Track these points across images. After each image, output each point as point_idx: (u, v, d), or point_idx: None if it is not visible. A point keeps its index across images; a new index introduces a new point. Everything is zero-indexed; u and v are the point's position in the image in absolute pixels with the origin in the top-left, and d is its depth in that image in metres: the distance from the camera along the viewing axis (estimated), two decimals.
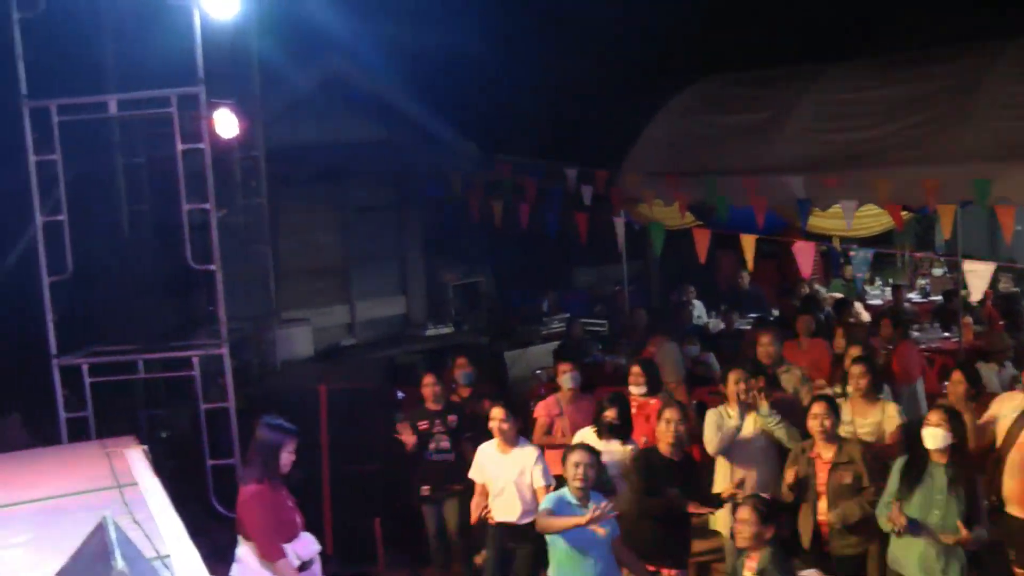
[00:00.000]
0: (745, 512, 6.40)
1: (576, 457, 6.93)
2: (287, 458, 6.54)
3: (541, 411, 9.27)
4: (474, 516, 8.35)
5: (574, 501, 6.88)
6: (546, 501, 7.06)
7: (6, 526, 5.64)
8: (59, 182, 9.11)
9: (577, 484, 6.89)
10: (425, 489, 9.06)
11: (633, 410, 8.66)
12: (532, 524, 7.38)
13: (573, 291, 18.34)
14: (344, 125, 15.03)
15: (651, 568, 7.29)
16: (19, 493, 6.35)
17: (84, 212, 9.48)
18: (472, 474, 8.32)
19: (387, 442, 9.44)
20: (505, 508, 8.09)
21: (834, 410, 7.53)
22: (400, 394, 11.37)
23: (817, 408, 7.49)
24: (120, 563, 3.69)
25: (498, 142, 16.28)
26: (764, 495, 7.04)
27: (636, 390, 9.01)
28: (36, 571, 4.84)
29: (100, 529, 4.18)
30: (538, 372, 13.35)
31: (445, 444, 9.08)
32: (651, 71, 17.30)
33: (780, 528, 6.61)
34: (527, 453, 8.04)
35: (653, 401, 8.84)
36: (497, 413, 8.05)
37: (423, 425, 9.13)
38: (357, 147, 14.88)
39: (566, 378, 9.29)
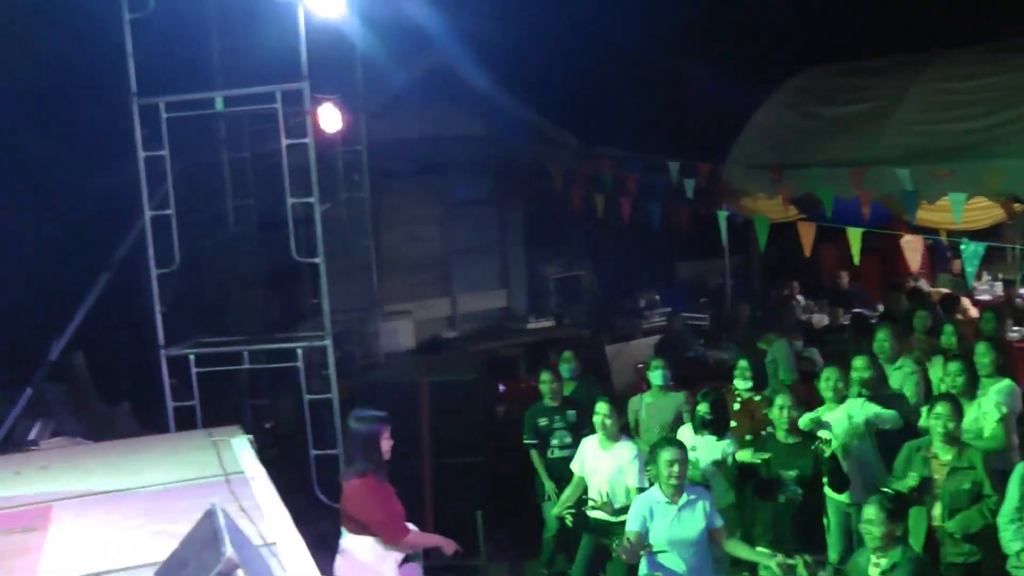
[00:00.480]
0: (871, 511, 6.07)
1: (668, 455, 6.80)
2: (386, 446, 6.55)
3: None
4: (559, 508, 8.29)
5: (664, 499, 6.77)
6: (635, 503, 6.97)
7: (118, 510, 5.75)
8: (167, 177, 9.31)
9: (672, 482, 6.76)
10: (554, 491, 8.96)
11: (737, 406, 8.50)
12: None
13: (675, 285, 18.14)
14: (445, 119, 15.06)
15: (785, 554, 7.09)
16: (130, 479, 6.48)
17: (191, 206, 9.67)
18: (573, 465, 8.27)
19: (488, 435, 9.41)
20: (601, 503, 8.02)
21: (958, 411, 7.20)
22: (501, 387, 11.34)
23: (941, 408, 7.11)
24: (229, 549, 3.71)
25: (599, 135, 16.15)
26: (886, 490, 6.79)
27: (742, 384, 8.85)
28: (147, 555, 4.92)
29: (209, 516, 4.22)
30: (639, 366, 13.25)
31: (568, 440, 9.04)
32: (755, 62, 16.99)
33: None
34: (626, 450, 7.96)
35: (758, 398, 8.67)
36: (602, 408, 7.97)
37: (543, 422, 9.11)
38: (458, 141, 14.91)
39: (656, 375, 9.21)
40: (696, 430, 8.07)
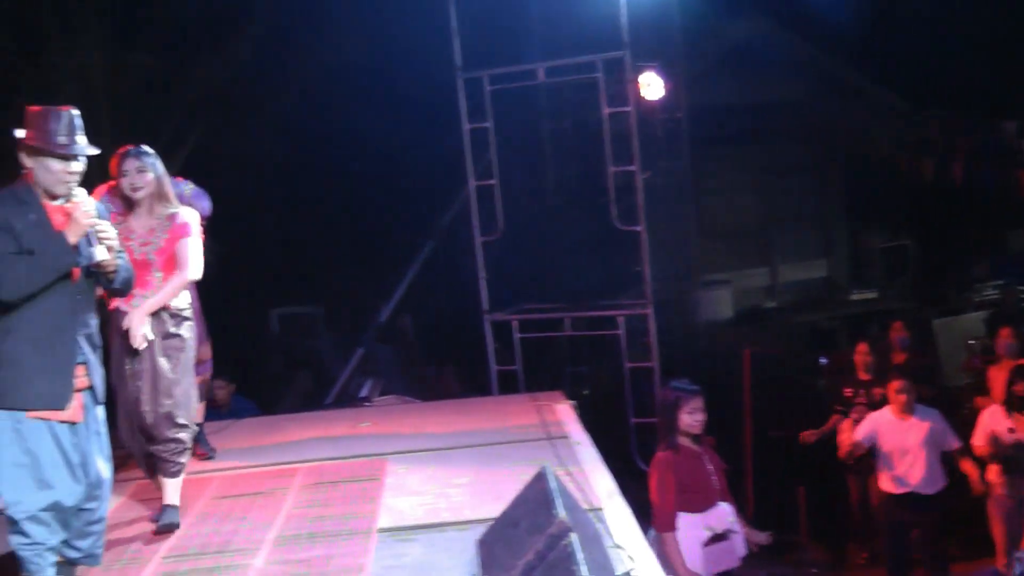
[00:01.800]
0: None
1: None
2: (688, 419, 6.28)
3: None
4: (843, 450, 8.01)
5: None
6: None
7: (447, 468, 5.94)
8: (490, 148, 9.52)
9: None
10: (846, 453, 8.60)
11: None
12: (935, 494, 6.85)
13: (1009, 255, 16.79)
14: (766, 84, 14.59)
15: None
16: (457, 438, 6.69)
17: (513, 176, 9.85)
18: (858, 435, 7.91)
19: (810, 409, 9.07)
20: (903, 477, 7.59)
21: None
22: (823, 360, 10.91)
23: None
24: (562, 512, 3.71)
25: (927, 96, 15.16)
26: None
27: None
28: (477, 511, 5.04)
29: (541, 477, 4.25)
30: (971, 343, 12.35)
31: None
32: None
33: None
34: (931, 416, 7.61)
35: None
36: (895, 384, 7.60)
37: (847, 391, 8.73)
38: (779, 106, 14.43)
39: (1009, 345, 8.57)
40: (1010, 409, 7.49)
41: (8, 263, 3.85)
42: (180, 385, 5.06)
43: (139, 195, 5.03)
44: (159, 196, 5.11)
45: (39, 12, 10.12)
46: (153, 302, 4.99)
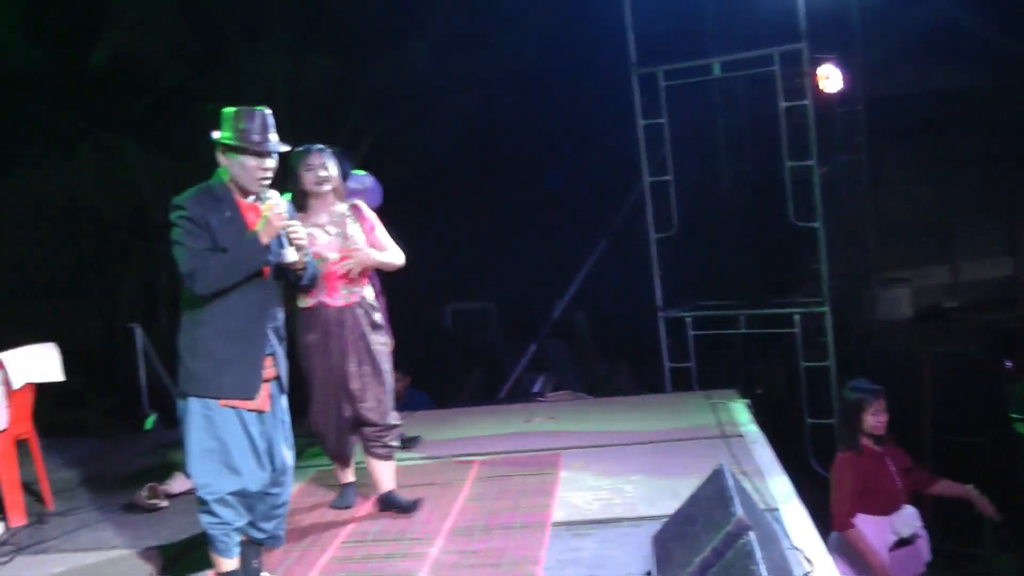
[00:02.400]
0: None
1: None
2: (872, 420, 6.17)
3: None
4: None
5: None
6: None
7: (621, 464, 5.97)
8: (665, 144, 9.48)
9: None
10: None
11: None
12: None
13: None
14: (948, 73, 13.99)
15: None
16: (631, 435, 6.71)
17: (687, 172, 9.78)
18: None
19: (994, 414, 8.72)
20: None
21: None
22: (1008, 363, 10.44)
23: None
24: (740, 510, 3.70)
25: None
26: None
27: None
28: (652, 507, 5.05)
29: (717, 475, 4.24)
30: None
31: None
32: None
33: None
34: None
35: None
36: None
37: None
38: (962, 96, 13.81)
39: None
40: None
41: (203, 259, 4.01)
42: (390, 373, 5.36)
43: (324, 188, 5.22)
44: (337, 193, 5.32)
45: (226, 20, 10.63)
46: (377, 258, 5.21)
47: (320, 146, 5.29)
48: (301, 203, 5.16)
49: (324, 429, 5.34)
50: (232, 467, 4.13)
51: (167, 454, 7.26)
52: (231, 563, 4.24)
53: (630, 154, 9.81)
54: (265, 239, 4.08)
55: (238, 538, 4.25)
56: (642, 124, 9.57)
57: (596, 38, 10.33)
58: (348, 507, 5.53)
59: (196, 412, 4.11)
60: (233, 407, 4.13)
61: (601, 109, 10.55)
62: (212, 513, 4.15)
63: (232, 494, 4.14)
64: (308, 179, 5.18)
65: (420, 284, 5.30)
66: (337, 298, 5.20)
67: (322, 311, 5.17)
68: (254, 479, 4.18)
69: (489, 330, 12.32)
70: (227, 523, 4.16)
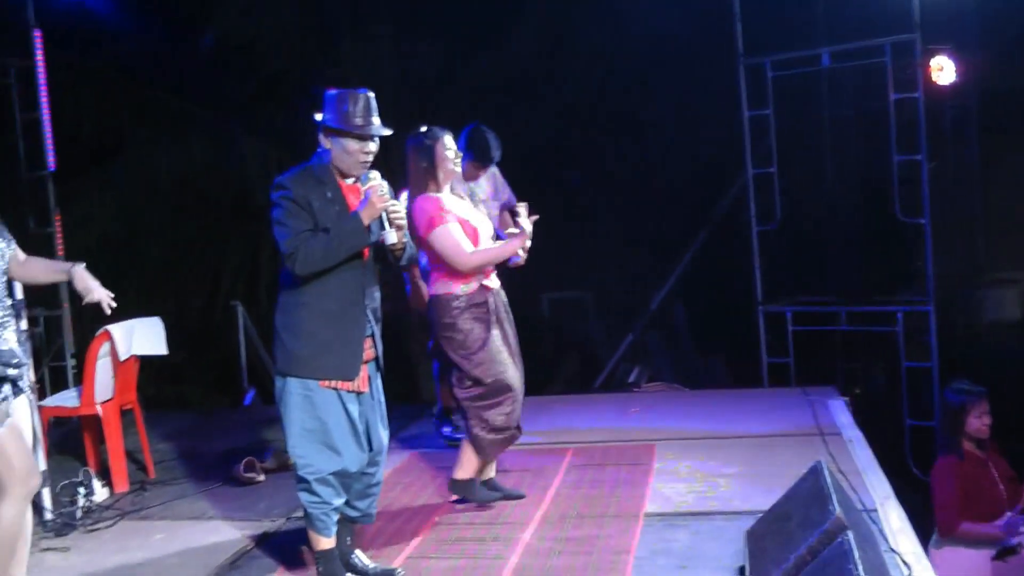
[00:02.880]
0: None
1: None
2: (976, 423, 6.01)
3: None
4: None
5: None
6: None
7: (716, 457, 5.91)
8: (770, 135, 9.34)
9: None
10: None
11: None
12: None
13: None
14: None
15: None
16: (727, 427, 6.65)
17: (791, 164, 9.62)
18: None
19: None
20: None
21: None
22: None
23: None
24: (838, 509, 3.63)
25: None
26: None
27: None
28: (746, 502, 5.00)
29: (815, 472, 4.17)
30: None
31: None
32: None
33: None
34: None
35: None
36: None
37: None
38: None
39: None
40: None
41: (304, 240, 4.01)
42: None
43: (459, 169, 5.28)
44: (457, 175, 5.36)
45: (334, 6, 10.77)
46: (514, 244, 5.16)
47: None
48: (424, 183, 5.14)
49: (500, 414, 5.12)
50: (332, 447, 4.16)
51: (265, 430, 7.41)
52: (328, 541, 4.28)
53: (733, 145, 9.67)
54: (366, 220, 4.08)
55: (336, 516, 4.29)
56: (747, 115, 9.43)
57: (702, 27, 10.20)
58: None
59: (296, 392, 4.14)
60: (333, 388, 4.14)
61: (705, 99, 10.41)
62: (312, 492, 4.18)
63: (332, 474, 4.17)
64: (449, 158, 5.13)
65: (518, 272, 5.30)
66: (493, 279, 5.21)
67: (486, 294, 5.12)
68: (353, 459, 4.21)
69: (585, 319, 12.29)
70: (326, 502, 4.20)
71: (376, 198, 4.08)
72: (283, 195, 4.08)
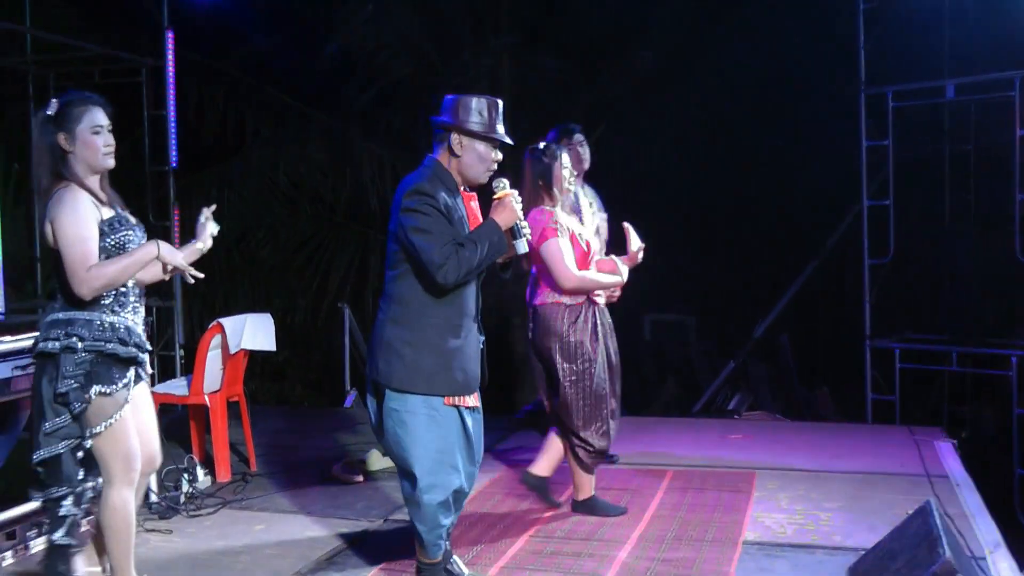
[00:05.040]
0: None
1: None
2: None
3: None
4: None
5: None
6: None
7: (818, 490, 5.81)
8: (887, 167, 9.16)
9: None
10: None
11: None
12: None
13: None
14: None
15: None
16: (829, 462, 6.52)
17: (907, 197, 9.42)
18: None
19: None
20: None
21: None
22: None
23: None
24: (947, 552, 3.54)
25: None
26: None
27: None
28: (849, 538, 4.90)
29: (924, 512, 4.07)
30: None
31: None
32: None
33: None
34: None
35: None
36: None
37: None
38: None
39: None
40: None
41: (453, 249, 3.89)
42: None
43: (574, 187, 5.33)
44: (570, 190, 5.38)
45: (455, 17, 10.90)
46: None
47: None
48: (538, 197, 5.16)
49: (599, 430, 5.16)
50: (454, 466, 4.05)
51: (365, 432, 7.50)
52: (437, 558, 4.19)
53: (849, 175, 9.51)
54: (503, 228, 4.02)
55: (447, 536, 4.19)
56: (865, 145, 9.27)
57: (823, 55, 10.08)
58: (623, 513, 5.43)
59: (420, 412, 4.00)
60: (455, 405, 4.05)
61: (823, 128, 10.27)
62: (433, 517, 4.05)
63: (453, 494, 4.06)
64: (565, 170, 5.17)
65: (622, 293, 5.32)
66: (599, 295, 5.25)
67: (590, 308, 5.17)
68: (468, 477, 4.14)
69: (686, 343, 12.18)
70: (442, 526, 4.10)
71: (514, 206, 4.04)
72: (427, 202, 3.94)
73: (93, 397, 3.74)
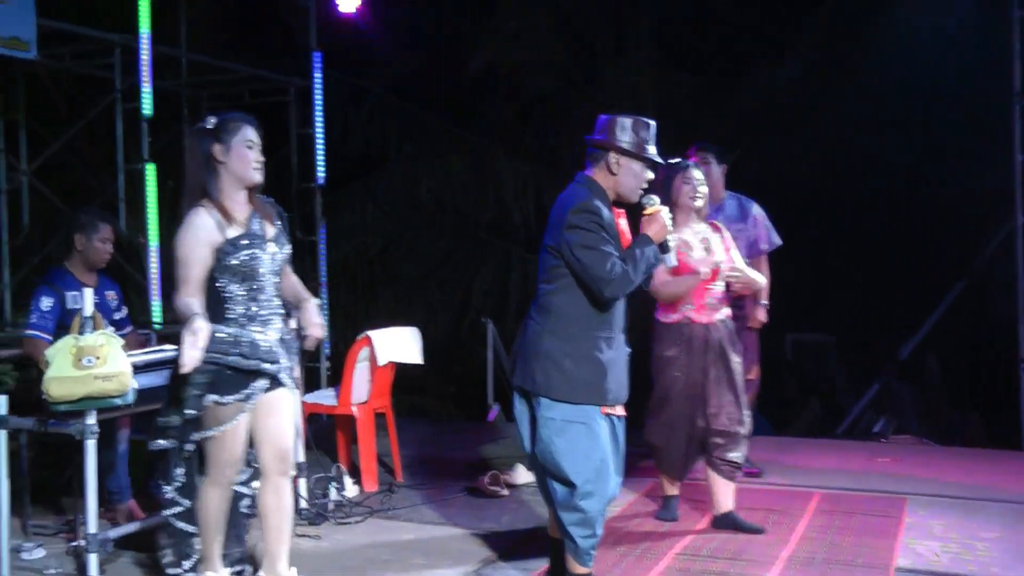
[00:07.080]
0: None
1: None
2: None
3: None
4: None
5: None
6: None
7: (972, 518, 5.62)
8: None
9: None
10: None
11: None
12: None
13: None
14: None
15: None
16: (983, 490, 6.31)
17: None
18: None
19: None
20: None
21: None
22: None
23: None
24: None
25: None
26: None
27: None
28: (1007, 570, 4.74)
29: None
30: None
31: None
32: None
33: None
34: None
35: None
36: None
37: None
38: None
39: None
40: None
41: (620, 265, 4.00)
42: (743, 389, 5.38)
43: (699, 204, 5.35)
44: (700, 213, 5.39)
45: (598, 33, 10.95)
46: (759, 278, 5.48)
47: (696, 163, 5.48)
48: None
49: (667, 441, 5.38)
50: (609, 473, 4.10)
51: (508, 445, 7.56)
52: (589, 569, 4.19)
53: (1002, 191, 9.18)
54: (656, 243, 4.13)
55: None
56: (1020, 159, 8.90)
57: (974, 64, 9.78)
58: (673, 520, 5.56)
59: (577, 421, 4.04)
60: (608, 414, 4.12)
61: (974, 141, 9.96)
62: (592, 526, 4.08)
63: (606, 504, 4.12)
64: (685, 192, 5.30)
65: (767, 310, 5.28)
66: (704, 315, 5.29)
67: (688, 327, 5.28)
68: (616, 486, 4.18)
69: (829, 363, 11.96)
70: (597, 535, 4.14)
71: (665, 221, 4.14)
72: (593, 219, 4.03)
73: (208, 405, 4.01)
